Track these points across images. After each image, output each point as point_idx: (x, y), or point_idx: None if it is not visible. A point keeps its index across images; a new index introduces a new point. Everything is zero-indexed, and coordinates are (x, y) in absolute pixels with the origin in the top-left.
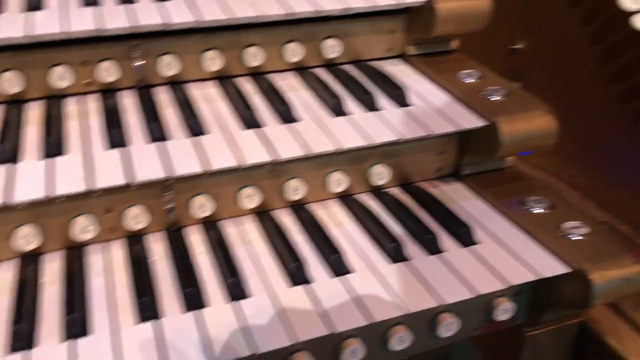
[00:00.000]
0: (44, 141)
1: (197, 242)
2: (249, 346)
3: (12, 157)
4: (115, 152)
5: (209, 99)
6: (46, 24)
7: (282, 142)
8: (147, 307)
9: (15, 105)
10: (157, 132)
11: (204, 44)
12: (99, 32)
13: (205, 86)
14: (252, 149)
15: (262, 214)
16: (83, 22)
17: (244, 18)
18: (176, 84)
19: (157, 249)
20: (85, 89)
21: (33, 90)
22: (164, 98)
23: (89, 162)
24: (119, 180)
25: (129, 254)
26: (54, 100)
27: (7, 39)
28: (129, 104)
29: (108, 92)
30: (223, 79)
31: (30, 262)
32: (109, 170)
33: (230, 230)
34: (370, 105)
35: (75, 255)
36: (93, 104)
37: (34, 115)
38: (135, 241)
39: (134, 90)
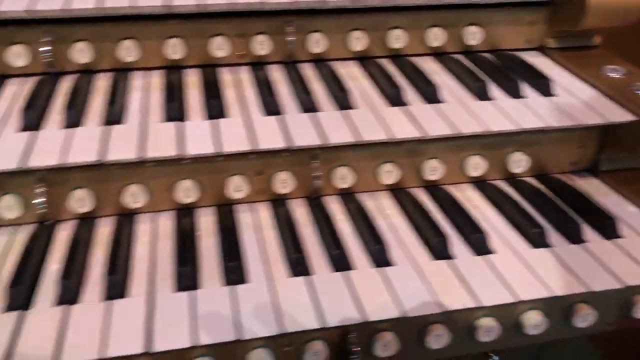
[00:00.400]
0: (207, 104)
1: (337, 210)
2: (398, 309)
3: (180, 115)
4: (272, 119)
5: (353, 77)
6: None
7: (429, 120)
8: (299, 263)
9: (176, 70)
10: (308, 104)
11: (351, 24)
12: (262, 5)
13: (348, 65)
14: (399, 125)
15: (398, 191)
16: None
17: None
18: (320, 61)
19: (300, 214)
20: (238, 60)
21: (191, 58)
22: (310, 73)
23: (249, 126)
24: (278, 144)
25: (275, 215)
26: (210, 68)
27: (181, 6)
28: (278, 77)
29: (258, 65)
30: (364, 59)
31: (187, 215)
32: (269, 135)
33: (368, 203)
34: (514, 92)
35: (227, 212)
36: (245, 75)
37: (193, 80)
38: (279, 204)
39: (281, 65)
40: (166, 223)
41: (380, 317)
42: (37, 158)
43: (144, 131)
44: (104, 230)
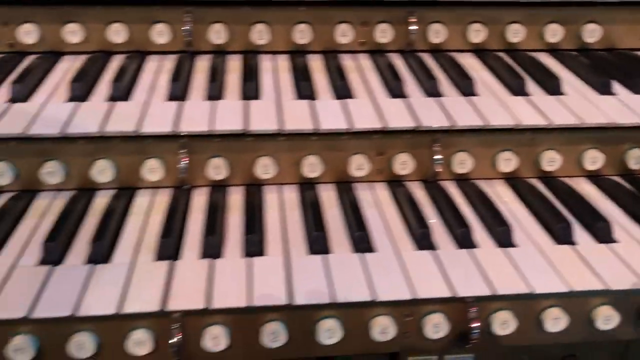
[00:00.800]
0: (334, 85)
1: (455, 194)
2: (527, 287)
3: (311, 94)
4: (398, 101)
5: (472, 68)
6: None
7: (552, 110)
8: (424, 237)
9: (301, 54)
10: (433, 89)
11: (471, 16)
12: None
13: (465, 56)
14: (525, 113)
15: (514, 179)
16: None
17: None
18: (439, 52)
19: (420, 195)
20: (359, 47)
21: (316, 44)
22: (430, 62)
23: (377, 106)
24: (407, 123)
25: (394, 195)
26: (333, 54)
27: None
28: (399, 64)
29: (378, 52)
30: (481, 51)
31: (310, 189)
32: (397, 115)
33: (487, 190)
34: (636, 88)
35: (347, 189)
36: (366, 61)
37: (318, 64)
38: (397, 185)
39: (400, 54)
40: (291, 195)
41: (507, 291)
42: (187, 124)
43: (280, 106)
44: (237, 197)
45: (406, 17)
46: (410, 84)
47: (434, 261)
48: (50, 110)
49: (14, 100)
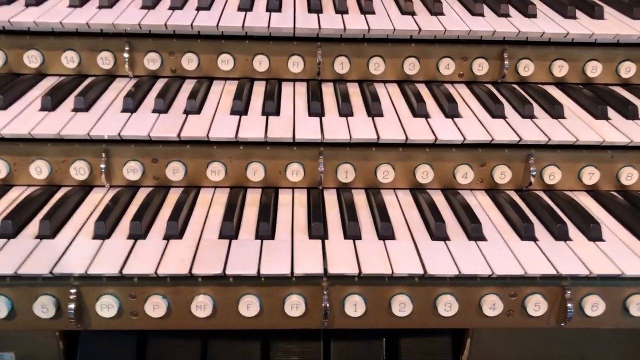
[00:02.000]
0: (444, 106)
1: (547, 200)
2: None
3: (425, 114)
4: (501, 121)
5: (556, 96)
6: (453, 23)
7: (632, 131)
8: (528, 230)
9: (410, 83)
10: (527, 111)
11: (555, 54)
12: (471, 34)
13: (548, 88)
14: (608, 132)
15: (594, 192)
16: (479, 24)
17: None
18: (525, 83)
19: (517, 200)
20: (457, 78)
21: (421, 75)
22: (520, 91)
23: (485, 123)
24: (511, 137)
25: (494, 199)
26: (434, 83)
27: (408, 31)
28: (495, 92)
29: (473, 82)
30: (561, 84)
31: (422, 192)
32: (501, 131)
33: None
34: None
35: (453, 193)
36: (464, 90)
37: (425, 91)
38: (496, 193)
39: (492, 84)
40: (407, 197)
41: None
42: (328, 133)
43: (401, 123)
44: (361, 197)
45: (501, 53)
46: (506, 107)
47: (537, 250)
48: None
49: (186, 113)
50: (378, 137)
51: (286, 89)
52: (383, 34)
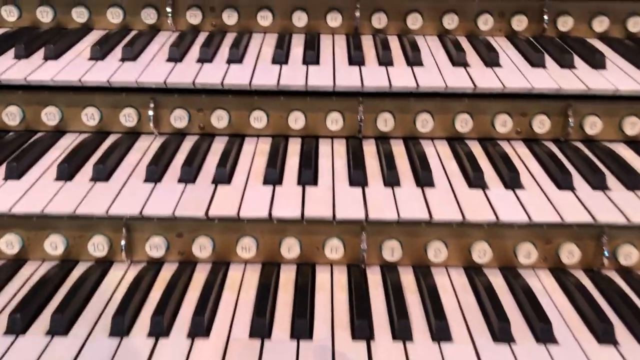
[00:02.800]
0: (503, 174)
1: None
2: None
3: (483, 184)
4: (569, 195)
5: (630, 161)
6: (510, 79)
7: None
8: (607, 332)
9: (461, 141)
10: (600, 182)
11: (627, 110)
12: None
13: (618, 147)
14: None
15: None
16: (541, 79)
17: None
18: (591, 142)
19: (586, 283)
20: (515, 135)
21: (474, 132)
22: (587, 153)
23: (551, 198)
24: (581, 217)
25: (559, 283)
26: (489, 141)
27: (461, 88)
28: (556, 152)
29: (532, 141)
30: (633, 142)
31: (478, 273)
32: (570, 208)
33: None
34: None
35: (514, 274)
36: (523, 149)
37: (478, 151)
38: (561, 272)
39: (552, 142)
40: (460, 278)
41: None
42: (373, 210)
43: (460, 194)
44: (407, 277)
45: (565, 110)
46: (575, 175)
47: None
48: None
49: (215, 182)
50: (430, 217)
51: (324, 147)
52: (433, 90)
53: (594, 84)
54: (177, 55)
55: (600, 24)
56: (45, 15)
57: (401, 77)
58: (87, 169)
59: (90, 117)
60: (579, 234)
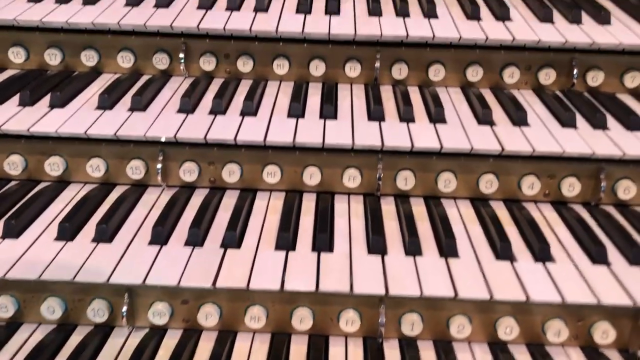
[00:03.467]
0: (532, 244)
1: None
2: None
3: (510, 255)
4: (604, 270)
5: None
6: (540, 141)
7: None
8: None
9: (485, 202)
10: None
11: None
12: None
13: None
14: None
15: None
16: (572, 143)
17: None
18: (624, 206)
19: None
20: (542, 197)
21: (499, 193)
22: (620, 220)
23: (581, 276)
24: (621, 300)
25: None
26: (514, 203)
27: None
28: (588, 220)
29: (560, 204)
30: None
31: (503, 351)
32: (607, 288)
33: None
34: None
35: (539, 352)
36: (551, 214)
37: (503, 214)
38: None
39: (582, 206)
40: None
41: None
42: (393, 285)
43: (481, 267)
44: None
45: (597, 173)
46: (608, 246)
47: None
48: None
49: (224, 246)
50: (456, 294)
51: (340, 205)
52: (457, 152)
53: (630, 149)
54: (188, 106)
55: (632, 80)
56: (53, 58)
57: (423, 135)
58: (90, 227)
59: (95, 168)
60: (614, 313)
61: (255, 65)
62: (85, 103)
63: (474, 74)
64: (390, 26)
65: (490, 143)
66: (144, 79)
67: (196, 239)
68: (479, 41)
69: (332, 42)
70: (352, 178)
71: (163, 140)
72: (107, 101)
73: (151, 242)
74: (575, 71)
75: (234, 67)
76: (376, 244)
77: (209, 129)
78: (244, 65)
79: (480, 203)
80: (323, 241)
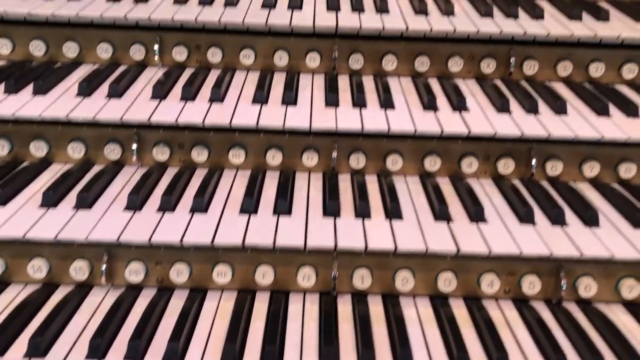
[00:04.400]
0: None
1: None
2: None
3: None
4: None
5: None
6: (498, 241)
7: None
8: None
9: (443, 300)
10: None
11: (622, 270)
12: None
13: (618, 315)
14: None
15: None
16: (531, 245)
17: None
18: (586, 303)
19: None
20: (503, 295)
21: (457, 291)
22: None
23: None
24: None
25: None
26: (473, 301)
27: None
28: (549, 322)
29: (521, 302)
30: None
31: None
32: None
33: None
34: None
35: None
36: (512, 313)
37: (461, 313)
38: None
39: (544, 303)
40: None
41: None
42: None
43: None
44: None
45: (557, 270)
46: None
47: None
48: None
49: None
50: None
51: (294, 306)
52: (412, 252)
53: (588, 248)
54: (136, 203)
55: (591, 170)
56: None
57: (378, 235)
58: (23, 341)
59: (37, 269)
60: None
61: (210, 155)
62: (30, 199)
63: (432, 163)
64: (346, 119)
65: (445, 243)
66: (95, 169)
67: (135, 354)
68: (435, 134)
69: (289, 132)
70: (306, 277)
71: (106, 242)
72: (53, 198)
73: (88, 357)
74: (534, 161)
75: (188, 157)
76: (327, 356)
77: (155, 229)
78: (199, 155)
79: (439, 302)
80: (271, 355)
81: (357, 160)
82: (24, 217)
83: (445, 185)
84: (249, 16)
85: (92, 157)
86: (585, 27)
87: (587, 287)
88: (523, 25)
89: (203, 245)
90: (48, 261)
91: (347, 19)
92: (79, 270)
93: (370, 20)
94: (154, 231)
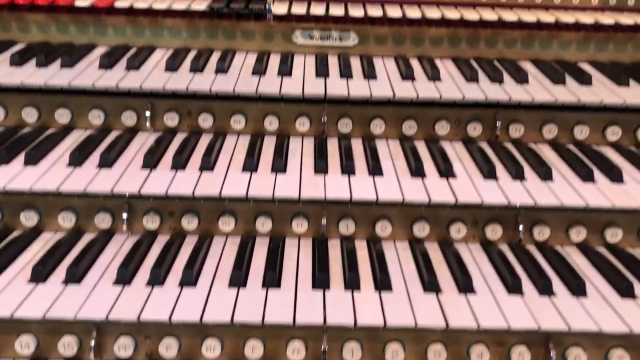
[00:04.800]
0: None
1: None
2: None
3: None
4: None
5: None
6: (487, 316)
7: None
8: None
9: None
10: None
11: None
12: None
13: None
14: None
15: None
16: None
17: None
18: None
19: None
20: None
21: None
22: None
23: None
24: None
25: None
26: None
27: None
28: None
29: None
30: None
31: None
32: None
33: None
34: None
35: None
36: None
37: None
38: None
39: None
40: None
41: None
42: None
43: None
44: None
45: (546, 341)
46: None
47: None
48: None
49: None
50: None
51: None
52: (401, 327)
53: (576, 320)
54: (126, 277)
55: (578, 234)
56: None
57: (367, 310)
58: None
59: (25, 345)
60: None
61: (200, 223)
62: (19, 273)
63: (421, 229)
64: (334, 187)
65: (434, 318)
66: (85, 239)
67: None
68: (423, 203)
69: (278, 200)
70: (296, 350)
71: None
72: (42, 272)
73: None
74: (521, 227)
75: (178, 225)
76: None
77: (144, 306)
78: (189, 223)
79: None
80: None
81: (347, 227)
82: (13, 293)
83: (434, 252)
84: (240, 84)
85: (82, 226)
86: (569, 92)
87: (577, 357)
88: (508, 91)
89: (191, 323)
90: (36, 337)
91: (336, 86)
92: (67, 346)
93: (358, 87)
94: (142, 308)
